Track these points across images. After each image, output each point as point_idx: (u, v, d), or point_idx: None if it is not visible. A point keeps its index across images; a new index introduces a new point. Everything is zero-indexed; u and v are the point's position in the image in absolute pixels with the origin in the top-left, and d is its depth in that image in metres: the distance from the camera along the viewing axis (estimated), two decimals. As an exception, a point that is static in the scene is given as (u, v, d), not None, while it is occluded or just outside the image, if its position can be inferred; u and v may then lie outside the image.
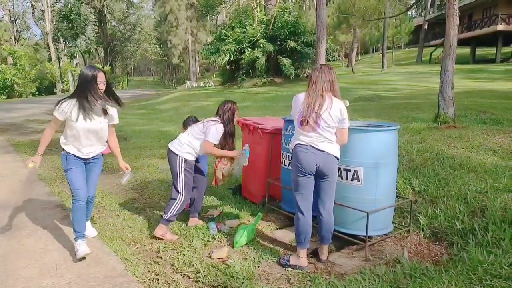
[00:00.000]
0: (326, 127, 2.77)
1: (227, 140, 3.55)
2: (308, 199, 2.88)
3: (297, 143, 2.84)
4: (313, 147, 2.77)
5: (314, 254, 3.10)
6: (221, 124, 3.44)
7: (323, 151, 2.77)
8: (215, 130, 3.38)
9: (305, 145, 2.79)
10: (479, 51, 28.68)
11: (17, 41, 42.30)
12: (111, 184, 5.16)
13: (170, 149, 3.48)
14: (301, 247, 2.90)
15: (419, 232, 3.38)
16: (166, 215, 3.38)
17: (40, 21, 43.52)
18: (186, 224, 3.69)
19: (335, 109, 2.76)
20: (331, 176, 2.84)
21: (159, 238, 3.36)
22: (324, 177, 2.83)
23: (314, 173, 2.81)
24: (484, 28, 25.01)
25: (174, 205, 3.38)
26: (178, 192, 3.40)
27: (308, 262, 2.94)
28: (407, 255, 3.04)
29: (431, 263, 2.90)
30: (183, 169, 3.39)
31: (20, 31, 45.93)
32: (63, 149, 3.09)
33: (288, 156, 3.68)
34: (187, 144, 3.42)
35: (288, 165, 3.59)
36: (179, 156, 3.40)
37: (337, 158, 2.85)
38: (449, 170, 4.05)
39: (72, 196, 3.06)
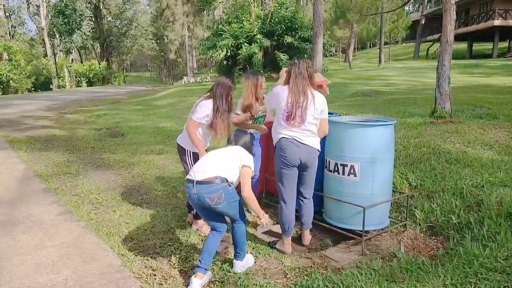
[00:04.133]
0: (313, 121, 2.90)
1: (214, 119, 3.14)
2: (292, 190, 3.02)
3: (281, 137, 2.95)
4: (297, 141, 2.89)
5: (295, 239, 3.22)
6: (210, 100, 3.13)
7: (306, 145, 2.91)
8: (199, 106, 3.14)
9: (289, 139, 2.91)
10: (476, 46, 28.70)
11: (12, 37, 41.90)
12: (107, 180, 5.14)
13: (178, 143, 3.44)
14: (285, 235, 3.06)
15: (416, 226, 3.39)
16: (193, 212, 3.40)
17: (35, 16, 43.14)
18: (185, 219, 3.69)
19: (318, 102, 2.91)
20: (312, 168, 3.00)
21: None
22: (306, 169, 2.98)
23: (297, 165, 2.94)
24: (481, 23, 25.02)
25: None
26: None
27: (305, 258, 2.99)
28: (403, 250, 3.05)
29: (427, 257, 2.92)
30: (192, 162, 3.31)
31: (15, 27, 45.49)
32: None
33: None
34: None
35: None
36: (187, 150, 3.35)
37: (318, 151, 3.00)
38: (446, 164, 4.06)
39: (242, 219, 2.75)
